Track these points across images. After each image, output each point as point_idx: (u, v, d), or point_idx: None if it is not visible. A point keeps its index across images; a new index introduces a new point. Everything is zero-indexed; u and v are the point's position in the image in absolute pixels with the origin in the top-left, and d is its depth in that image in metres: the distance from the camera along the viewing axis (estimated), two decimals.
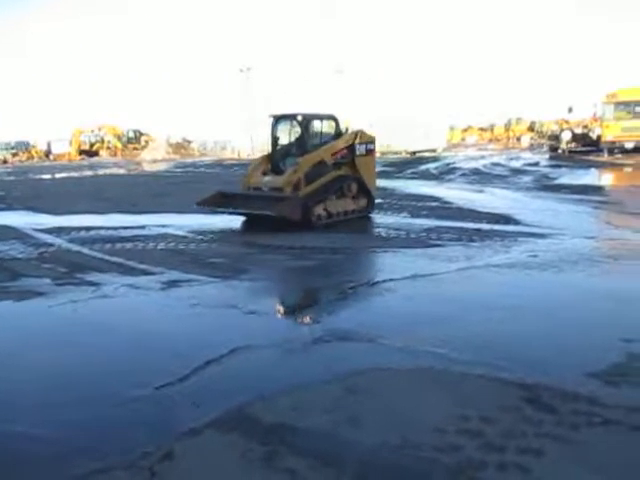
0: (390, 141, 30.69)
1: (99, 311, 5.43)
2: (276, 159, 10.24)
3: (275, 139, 10.41)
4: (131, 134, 51.31)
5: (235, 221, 10.34)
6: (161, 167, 31.39)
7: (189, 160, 39.10)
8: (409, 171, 20.35)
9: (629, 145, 22.40)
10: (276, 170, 10.06)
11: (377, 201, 11.34)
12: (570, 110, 27.89)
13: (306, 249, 7.75)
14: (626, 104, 22.91)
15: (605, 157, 22.55)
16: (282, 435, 2.97)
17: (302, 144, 9.99)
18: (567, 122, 35.35)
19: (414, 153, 32.37)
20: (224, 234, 8.97)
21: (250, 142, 40.47)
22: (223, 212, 9.98)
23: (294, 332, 4.55)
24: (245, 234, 9.02)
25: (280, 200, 9.19)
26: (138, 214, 11.69)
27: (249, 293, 5.73)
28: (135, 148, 49.46)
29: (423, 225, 9.19)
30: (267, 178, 9.92)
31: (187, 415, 3.22)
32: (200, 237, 8.77)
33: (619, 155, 22.54)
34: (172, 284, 6.09)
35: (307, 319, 4.86)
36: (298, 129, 10.19)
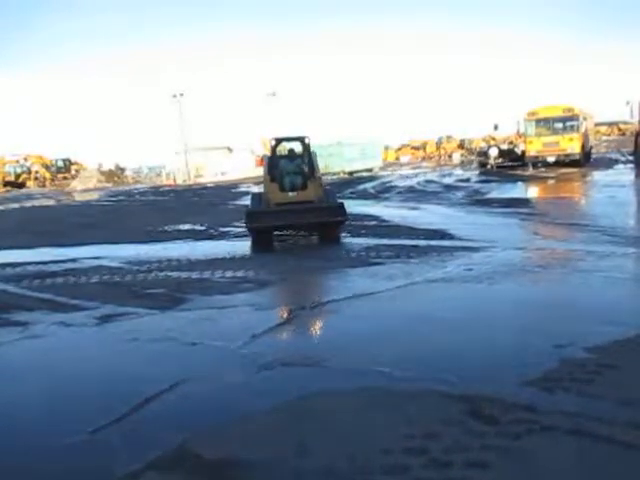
0: (327, 162, 31.17)
1: (28, 352, 5.12)
2: (277, 177, 10.68)
3: (275, 160, 10.92)
4: (60, 163, 49.52)
5: (170, 249, 10.11)
6: (93, 196, 30.36)
7: (123, 188, 38.05)
8: (348, 191, 20.64)
9: (551, 159, 23.75)
10: (282, 187, 10.63)
11: None
12: (496, 127, 29.33)
13: (245, 274, 7.65)
14: (545, 120, 24.35)
15: (530, 171, 23.78)
16: (227, 470, 2.88)
17: (308, 162, 10.84)
18: (494, 139, 37.14)
19: (352, 173, 32.93)
20: (161, 263, 8.73)
21: (186, 167, 39.94)
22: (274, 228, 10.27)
23: (237, 361, 4.44)
24: (183, 262, 8.81)
25: (337, 208, 10.14)
26: (69, 247, 11.21)
27: (189, 324, 5.57)
28: (65, 177, 47.72)
29: (362, 244, 9.31)
30: (292, 194, 10.54)
31: (125, 458, 3.06)
32: (136, 268, 8.49)
33: (543, 168, 23.84)
34: (107, 319, 5.84)
35: (250, 347, 4.77)
36: (300, 149, 11.05)
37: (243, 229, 12.19)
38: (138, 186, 39.33)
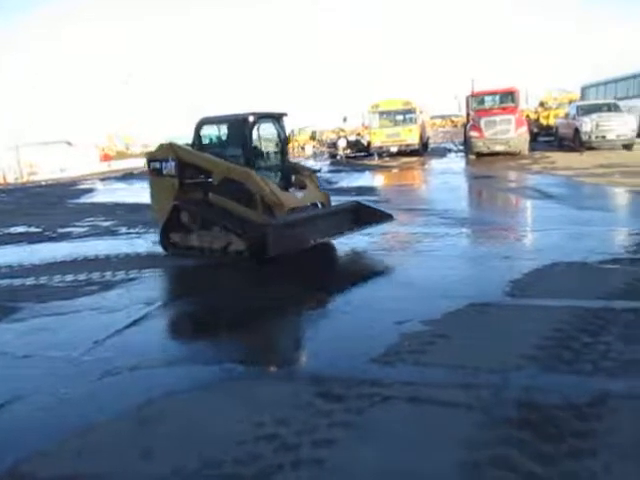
0: None
1: None
2: (258, 167, 7.76)
3: (253, 144, 7.89)
4: None
5: None
6: None
7: None
8: None
9: (394, 149, 25.37)
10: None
11: None
12: (345, 120, 30.62)
13: (89, 276, 7.12)
14: (387, 113, 25.94)
15: (376, 161, 25.19)
16: None
17: (285, 147, 8.41)
18: (343, 131, 38.67)
19: None
20: None
21: (17, 164, 36.01)
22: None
23: (77, 371, 4.12)
24: (15, 268, 7.93)
25: (379, 210, 8.30)
26: None
27: (21, 335, 5.04)
28: None
29: None
30: (300, 194, 7.89)
31: None
32: None
33: (387, 158, 25.39)
34: None
35: (92, 354, 4.45)
36: (275, 130, 8.23)
37: (86, 229, 11.36)
38: None
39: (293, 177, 8.17)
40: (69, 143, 35.06)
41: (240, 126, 7.76)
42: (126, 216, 12.46)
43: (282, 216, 7.12)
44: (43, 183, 27.25)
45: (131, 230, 10.49)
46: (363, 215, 7.92)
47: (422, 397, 3.27)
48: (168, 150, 7.96)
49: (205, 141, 8.25)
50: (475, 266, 6.55)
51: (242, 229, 7.07)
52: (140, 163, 33.94)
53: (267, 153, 8.22)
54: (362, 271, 6.77)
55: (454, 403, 3.17)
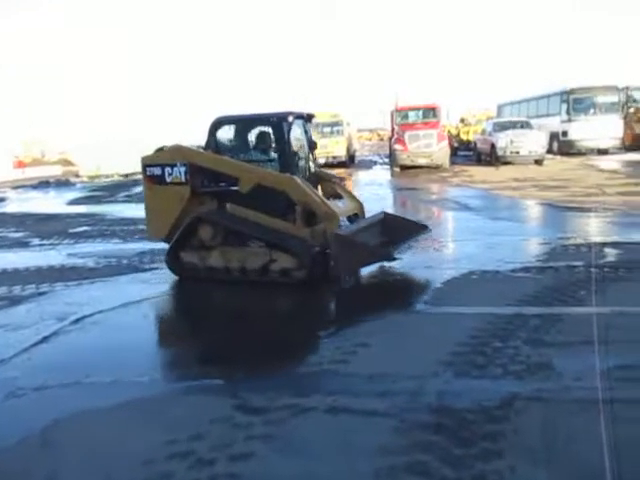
0: (100, 163, 29.20)
1: None
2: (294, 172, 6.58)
3: (291, 146, 6.73)
4: None
5: None
6: None
7: None
8: (122, 194, 19.44)
9: (321, 161, 25.61)
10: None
11: (84, 229, 10.65)
12: None
13: None
14: (315, 125, 26.25)
15: None
16: None
17: (313, 152, 7.37)
18: None
19: (127, 175, 31.17)
20: None
21: None
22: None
23: None
24: None
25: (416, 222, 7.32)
26: None
27: None
28: None
29: (136, 249, 8.82)
30: (340, 205, 6.91)
31: None
32: None
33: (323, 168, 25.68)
34: None
35: None
36: (303, 130, 7.18)
37: None
38: None
39: (319, 185, 7.20)
40: None
41: (277, 127, 6.60)
42: (39, 227, 11.80)
43: (340, 229, 6.22)
44: None
45: (44, 241, 9.93)
46: (393, 226, 6.88)
47: (341, 407, 3.28)
48: (175, 153, 6.71)
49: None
50: (396, 276, 6.70)
51: (289, 244, 6.09)
52: (57, 171, 32.28)
53: (302, 159, 7.17)
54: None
55: (372, 411, 3.20)
